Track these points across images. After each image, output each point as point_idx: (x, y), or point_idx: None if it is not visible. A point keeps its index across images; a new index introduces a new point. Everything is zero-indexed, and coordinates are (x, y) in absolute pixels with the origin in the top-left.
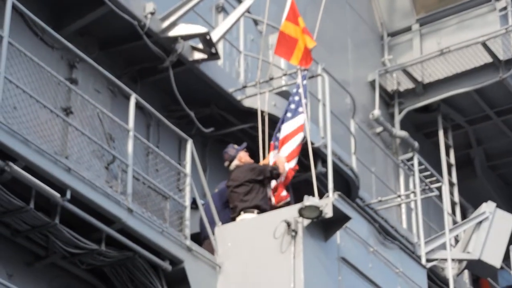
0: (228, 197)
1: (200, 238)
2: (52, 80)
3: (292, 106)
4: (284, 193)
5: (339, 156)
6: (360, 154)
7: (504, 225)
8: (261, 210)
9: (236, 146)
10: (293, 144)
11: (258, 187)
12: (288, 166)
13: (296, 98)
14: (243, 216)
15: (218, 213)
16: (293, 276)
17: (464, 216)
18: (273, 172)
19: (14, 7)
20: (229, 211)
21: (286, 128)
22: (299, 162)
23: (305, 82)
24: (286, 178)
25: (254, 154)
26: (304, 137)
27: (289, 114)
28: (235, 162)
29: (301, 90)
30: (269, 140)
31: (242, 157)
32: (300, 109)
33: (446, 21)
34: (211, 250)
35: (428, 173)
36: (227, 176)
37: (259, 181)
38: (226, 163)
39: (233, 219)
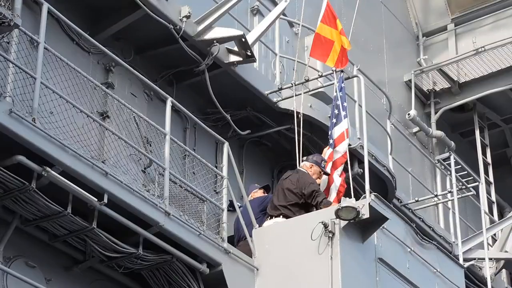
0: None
1: (234, 240)
2: (88, 84)
3: (336, 111)
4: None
5: (375, 156)
6: (397, 154)
7: None
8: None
9: (323, 161)
10: (338, 154)
11: (297, 209)
12: (337, 181)
13: (338, 102)
14: (272, 221)
15: (256, 219)
16: (331, 277)
17: (501, 215)
18: (318, 201)
19: (50, 13)
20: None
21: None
22: None
23: (343, 84)
24: (339, 192)
25: (291, 155)
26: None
27: (334, 120)
28: (304, 164)
29: (340, 93)
30: (305, 141)
31: (312, 168)
32: (343, 113)
33: (481, 21)
34: (246, 252)
35: (464, 172)
36: (263, 178)
37: (301, 204)
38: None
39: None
